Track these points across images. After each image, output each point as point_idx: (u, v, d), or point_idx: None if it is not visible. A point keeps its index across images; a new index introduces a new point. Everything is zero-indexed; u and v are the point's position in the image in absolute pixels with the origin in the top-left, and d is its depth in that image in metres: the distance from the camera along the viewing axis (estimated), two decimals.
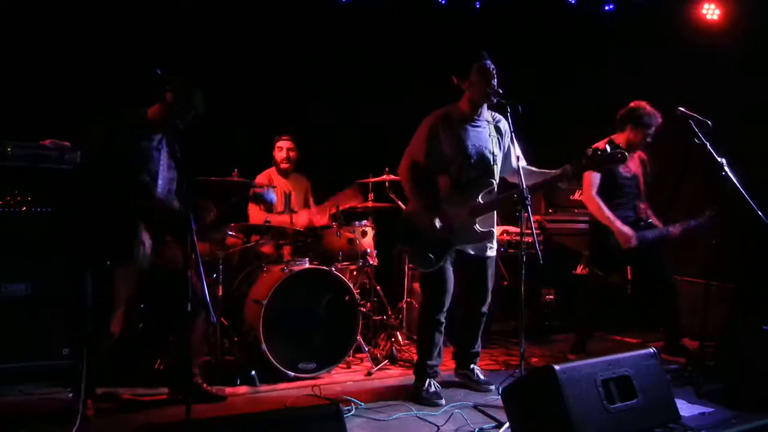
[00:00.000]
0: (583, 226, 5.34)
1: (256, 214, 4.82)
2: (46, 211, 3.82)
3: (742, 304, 4.74)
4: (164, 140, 3.42)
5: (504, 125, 3.78)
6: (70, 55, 4.71)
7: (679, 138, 4.23)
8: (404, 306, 4.98)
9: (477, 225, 3.64)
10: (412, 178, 3.72)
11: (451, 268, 3.71)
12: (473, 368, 3.94)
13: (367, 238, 4.63)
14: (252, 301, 4.08)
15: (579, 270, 4.72)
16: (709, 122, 3.85)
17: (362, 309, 4.43)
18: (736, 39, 5.27)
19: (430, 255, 3.64)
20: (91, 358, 3.21)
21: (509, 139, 3.77)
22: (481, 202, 3.65)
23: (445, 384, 3.87)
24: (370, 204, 4.94)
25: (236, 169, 4.41)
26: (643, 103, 4.39)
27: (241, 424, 2.32)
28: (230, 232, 4.35)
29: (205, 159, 4.28)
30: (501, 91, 3.58)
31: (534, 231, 3.46)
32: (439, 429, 3.21)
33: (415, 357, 3.91)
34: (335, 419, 2.33)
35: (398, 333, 4.73)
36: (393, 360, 4.41)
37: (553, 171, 3.58)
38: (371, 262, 4.63)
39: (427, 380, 3.69)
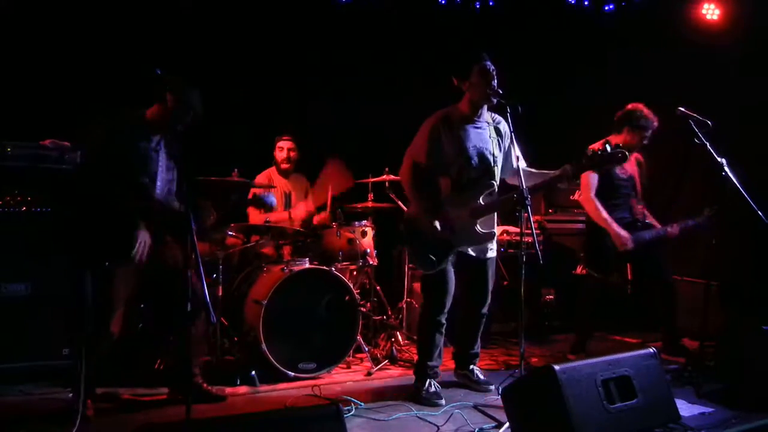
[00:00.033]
0: (582, 226, 5.33)
1: (255, 215, 4.83)
2: (46, 211, 3.82)
3: (742, 304, 4.75)
4: (162, 141, 3.42)
5: (504, 127, 3.78)
6: (70, 55, 4.71)
7: (679, 138, 4.23)
8: (404, 306, 4.98)
9: (478, 226, 3.64)
10: (414, 180, 3.72)
11: (452, 270, 3.71)
12: (473, 369, 3.94)
13: (367, 238, 4.63)
14: (252, 301, 4.08)
15: (579, 270, 4.71)
16: (709, 122, 3.85)
17: (362, 309, 4.44)
18: (736, 39, 5.27)
19: (432, 256, 3.64)
20: (90, 358, 3.21)
21: (509, 140, 3.77)
22: (482, 203, 3.65)
23: (445, 384, 3.87)
24: (370, 204, 4.94)
25: (236, 169, 4.42)
26: (641, 106, 4.39)
27: (241, 424, 2.32)
28: (230, 233, 4.35)
29: (205, 159, 4.27)
30: (501, 92, 3.58)
31: (534, 231, 3.46)
32: (439, 429, 3.21)
33: (415, 357, 3.91)
34: (335, 419, 2.33)
35: (398, 333, 4.73)
36: (393, 360, 4.41)
37: (553, 171, 3.57)
38: (371, 262, 4.63)
39: (428, 380, 3.70)
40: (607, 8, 6.28)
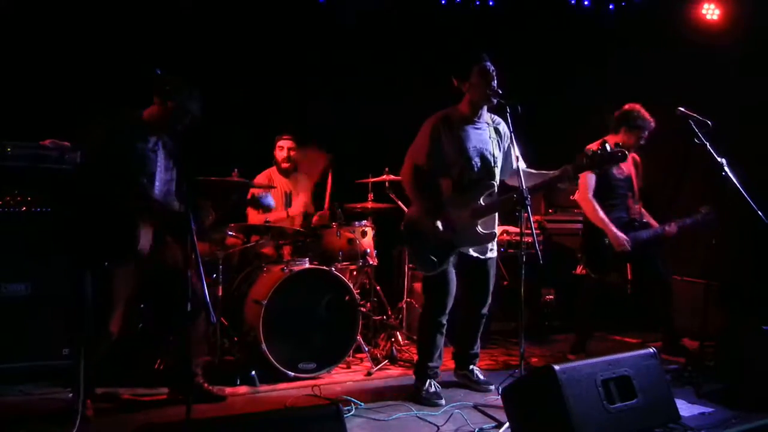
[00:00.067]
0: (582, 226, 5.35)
1: (255, 215, 4.83)
2: (46, 211, 3.82)
3: (742, 304, 4.75)
4: (160, 142, 3.41)
5: (503, 128, 3.78)
6: (70, 55, 4.71)
7: (679, 138, 4.24)
8: (404, 306, 4.98)
9: (479, 227, 3.64)
10: (415, 181, 3.71)
11: (453, 271, 3.71)
12: (473, 369, 3.94)
13: (367, 238, 4.63)
14: (252, 301, 4.08)
15: (579, 270, 4.71)
16: (709, 122, 3.85)
17: (362, 309, 4.44)
18: (736, 39, 5.27)
19: (433, 257, 3.63)
20: (90, 358, 3.20)
21: (509, 141, 3.77)
22: (483, 203, 3.65)
23: (445, 384, 3.87)
24: (369, 204, 4.94)
25: (236, 169, 4.42)
26: (638, 106, 4.40)
27: (241, 424, 2.32)
28: (230, 233, 4.36)
29: (205, 159, 4.27)
30: (501, 92, 3.58)
31: (534, 231, 3.46)
32: (439, 429, 3.21)
33: (415, 357, 3.91)
34: (335, 419, 2.34)
35: (398, 333, 4.73)
36: (393, 360, 4.41)
37: (553, 172, 3.57)
38: (371, 262, 4.63)
39: (428, 380, 3.70)
40: (607, 8, 6.27)
